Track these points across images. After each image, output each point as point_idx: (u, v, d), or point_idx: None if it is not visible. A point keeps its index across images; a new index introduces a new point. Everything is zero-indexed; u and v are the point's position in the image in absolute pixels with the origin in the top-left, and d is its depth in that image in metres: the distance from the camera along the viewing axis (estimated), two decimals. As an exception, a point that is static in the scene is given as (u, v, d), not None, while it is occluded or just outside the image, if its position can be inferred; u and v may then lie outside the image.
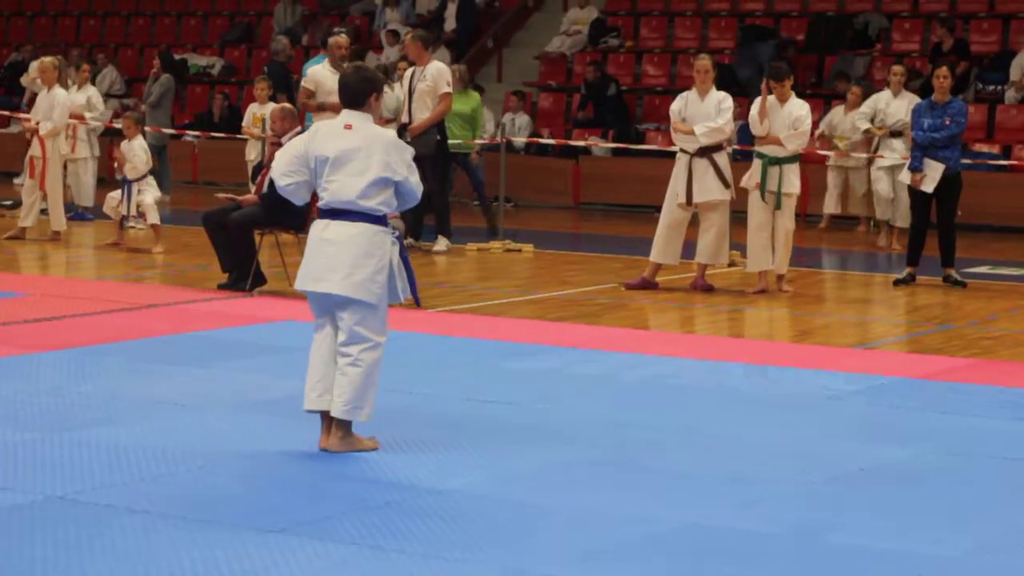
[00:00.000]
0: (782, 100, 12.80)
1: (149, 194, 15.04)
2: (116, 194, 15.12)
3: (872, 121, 16.34)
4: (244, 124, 17.14)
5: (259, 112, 16.58)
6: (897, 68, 16.55)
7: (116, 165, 15.50)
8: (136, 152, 15.00)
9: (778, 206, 12.81)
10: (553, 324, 10.92)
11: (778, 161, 12.80)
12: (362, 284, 6.87)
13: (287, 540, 5.62)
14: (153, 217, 14.96)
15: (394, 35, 22.87)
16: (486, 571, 5.37)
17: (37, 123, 15.37)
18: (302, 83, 15.03)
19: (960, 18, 21.35)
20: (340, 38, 15.15)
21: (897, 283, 13.40)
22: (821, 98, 20.57)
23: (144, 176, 14.98)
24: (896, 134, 16.09)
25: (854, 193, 17.83)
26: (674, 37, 23.16)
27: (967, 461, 7.19)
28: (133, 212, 14.95)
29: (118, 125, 17.07)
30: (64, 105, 15.40)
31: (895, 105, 16.12)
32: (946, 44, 20.13)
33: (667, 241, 12.86)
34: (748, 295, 12.76)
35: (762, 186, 12.82)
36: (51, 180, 15.35)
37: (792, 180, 12.81)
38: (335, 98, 14.69)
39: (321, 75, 14.94)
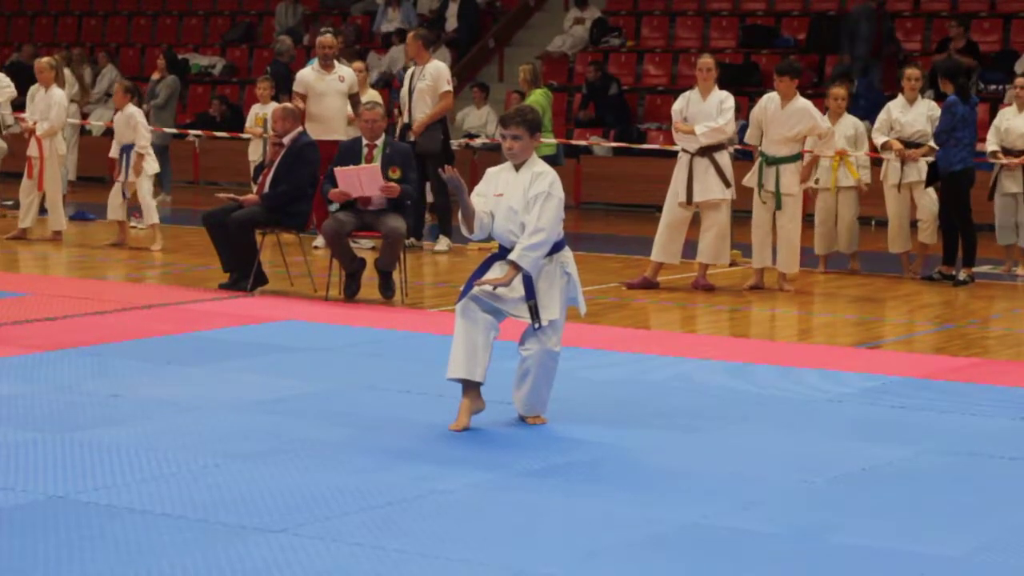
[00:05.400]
0: (785, 97, 12.79)
1: (147, 190, 15.08)
2: (117, 195, 15.13)
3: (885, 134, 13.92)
4: (247, 125, 17.16)
5: (261, 112, 16.60)
6: (912, 72, 13.97)
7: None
8: (138, 120, 15.01)
9: (778, 206, 12.83)
10: (554, 324, 10.90)
11: (776, 160, 12.81)
12: None
13: (288, 540, 5.62)
14: (152, 217, 15.01)
15: (400, 36, 22.89)
16: (486, 571, 5.37)
17: (35, 123, 15.37)
18: (293, 88, 15.13)
19: (961, 17, 21.34)
20: (326, 37, 15.25)
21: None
22: (821, 97, 20.55)
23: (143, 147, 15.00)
24: (913, 146, 13.72)
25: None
26: (675, 37, 23.15)
27: (967, 461, 7.19)
28: (131, 179, 14.93)
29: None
30: (62, 105, 15.39)
31: (912, 114, 13.77)
32: (957, 43, 20.08)
33: (668, 240, 12.86)
34: (743, 292, 12.78)
35: (760, 185, 12.86)
36: (50, 180, 15.36)
37: (790, 180, 12.81)
38: (329, 100, 14.90)
39: (309, 77, 15.06)
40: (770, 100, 12.91)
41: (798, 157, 12.95)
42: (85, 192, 19.91)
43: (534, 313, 7.47)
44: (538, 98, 16.89)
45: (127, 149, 15.00)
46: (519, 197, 7.51)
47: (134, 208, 15.40)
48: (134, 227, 15.55)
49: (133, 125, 14.97)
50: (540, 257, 7.46)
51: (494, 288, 7.44)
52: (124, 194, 15.05)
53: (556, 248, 7.55)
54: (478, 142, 20.63)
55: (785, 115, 12.77)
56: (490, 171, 7.74)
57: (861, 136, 14.18)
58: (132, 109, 15.12)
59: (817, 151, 13.27)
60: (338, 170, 11.64)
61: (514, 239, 7.49)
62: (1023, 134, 13.98)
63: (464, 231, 7.67)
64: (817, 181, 14.01)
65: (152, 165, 15.22)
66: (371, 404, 8.09)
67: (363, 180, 11.57)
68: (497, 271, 7.54)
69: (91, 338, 9.81)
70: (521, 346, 7.60)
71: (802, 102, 12.86)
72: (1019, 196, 14.10)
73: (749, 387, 8.77)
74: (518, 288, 7.46)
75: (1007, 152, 14.07)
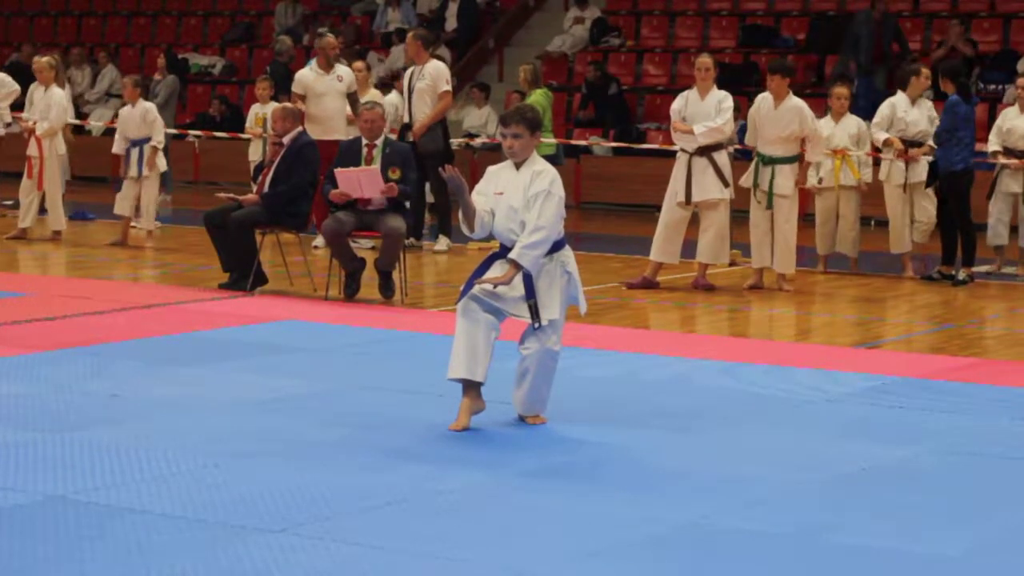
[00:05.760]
0: (777, 97, 12.77)
1: (153, 194, 15.14)
2: (125, 194, 15.16)
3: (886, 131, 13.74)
4: (247, 125, 17.18)
5: (261, 112, 16.61)
6: (928, 71, 14.01)
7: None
8: (155, 115, 15.07)
9: (769, 206, 12.82)
10: (554, 324, 10.89)
11: (771, 160, 12.80)
12: None
13: (288, 540, 5.62)
14: (148, 223, 15.08)
15: (400, 36, 22.91)
16: (486, 571, 5.37)
17: (34, 123, 15.37)
18: (292, 89, 15.15)
19: (961, 17, 21.34)
20: (330, 38, 15.29)
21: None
22: (822, 97, 20.57)
23: (149, 139, 15.03)
24: (915, 145, 13.69)
25: None
26: (675, 37, 23.16)
27: (967, 461, 7.19)
28: (144, 174, 14.99)
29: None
30: (61, 105, 15.39)
31: (915, 113, 13.73)
32: (957, 43, 20.05)
33: (667, 240, 12.86)
34: (743, 292, 12.78)
35: (755, 184, 12.85)
36: (49, 180, 15.36)
37: (784, 182, 12.79)
38: (328, 100, 14.92)
39: (308, 77, 15.08)
40: (764, 100, 12.91)
41: (796, 158, 12.94)
42: (84, 192, 19.91)
43: (534, 312, 7.47)
44: (538, 98, 16.88)
45: (137, 144, 15.02)
46: (519, 196, 7.51)
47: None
48: (134, 227, 15.55)
49: (151, 120, 15.03)
50: (540, 256, 7.46)
51: (494, 287, 7.44)
52: (119, 187, 15.10)
53: (556, 247, 7.55)
54: (478, 142, 20.63)
55: (778, 115, 12.77)
56: (491, 169, 7.75)
57: (864, 135, 14.16)
58: (147, 104, 15.22)
59: (808, 155, 13.19)
60: (338, 171, 11.65)
61: (514, 238, 7.50)
62: None
63: (465, 230, 7.67)
64: (820, 180, 14.00)
65: (162, 162, 15.28)
66: (371, 404, 8.09)
67: (363, 182, 11.58)
68: (497, 270, 7.55)
69: (90, 338, 9.81)
70: (521, 345, 7.60)
71: (795, 102, 12.84)
72: (1019, 196, 14.10)
73: (749, 387, 8.77)
74: (518, 287, 7.46)
75: (1009, 152, 14.07)
